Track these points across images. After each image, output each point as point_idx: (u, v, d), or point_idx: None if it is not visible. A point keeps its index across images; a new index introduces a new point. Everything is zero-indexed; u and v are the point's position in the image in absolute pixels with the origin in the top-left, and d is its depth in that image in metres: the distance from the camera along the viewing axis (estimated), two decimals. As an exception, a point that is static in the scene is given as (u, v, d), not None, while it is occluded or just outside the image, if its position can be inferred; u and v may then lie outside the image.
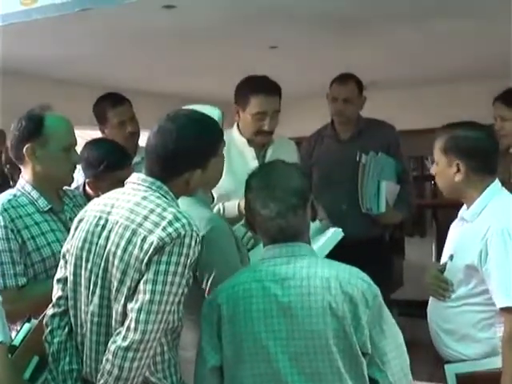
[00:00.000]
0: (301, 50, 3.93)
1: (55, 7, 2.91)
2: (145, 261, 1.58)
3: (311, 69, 4.53)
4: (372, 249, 3.23)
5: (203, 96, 3.63)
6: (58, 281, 1.80)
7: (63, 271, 1.79)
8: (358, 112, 3.43)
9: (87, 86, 4.31)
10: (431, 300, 2.24)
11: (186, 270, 1.61)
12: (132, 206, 1.66)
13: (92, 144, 2.62)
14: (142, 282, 1.58)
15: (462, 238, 2.16)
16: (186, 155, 1.70)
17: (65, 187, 2.36)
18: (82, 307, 1.71)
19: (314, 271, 1.65)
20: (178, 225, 1.60)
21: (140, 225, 1.62)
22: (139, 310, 1.57)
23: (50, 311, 1.80)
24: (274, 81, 2.74)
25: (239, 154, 2.73)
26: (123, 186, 2.41)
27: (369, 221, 3.28)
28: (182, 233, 1.59)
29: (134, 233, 1.62)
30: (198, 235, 1.63)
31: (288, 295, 1.64)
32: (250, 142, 2.78)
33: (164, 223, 1.60)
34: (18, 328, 1.93)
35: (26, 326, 1.87)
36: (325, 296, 1.61)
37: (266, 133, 2.72)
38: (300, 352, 1.62)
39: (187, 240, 1.60)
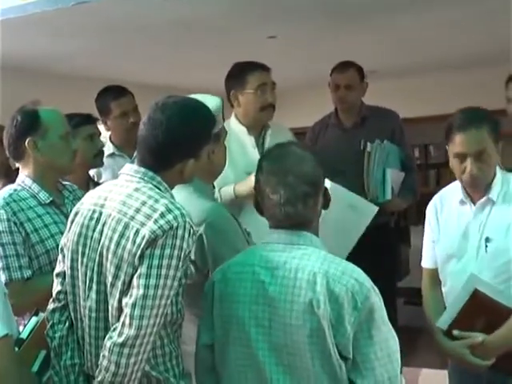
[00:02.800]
0: (300, 39, 3.88)
1: (51, 1, 2.90)
2: (138, 255, 1.55)
3: (310, 58, 4.49)
4: (378, 236, 3.21)
5: (203, 87, 3.57)
6: (57, 275, 1.79)
7: (61, 265, 1.77)
8: (361, 99, 3.43)
9: (88, 80, 4.29)
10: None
11: (181, 263, 1.58)
12: (124, 199, 1.64)
13: None
14: (135, 276, 1.56)
15: (499, 219, 2.10)
16: (177, 147, 1.67)
17: (64, 182, 2.38)
18: (81, 302, 1.70)
19: (305, 264, 1.58)
20: (170, 217, 1.56)
21: (132, 218, 1.59)
22: (133, 306, 1.54)
23: (50, 306, 1.79)
24: None
25: (238, 144, 2.72)
26: (92, 141, 2.71)
27: (374, 208, 3.27)
28: (175, 224, 1.56)
29: (126, 226, 1.59)
30: (191, 226, 1.60)
31: (275, 284, 1.59)
32: (250, 130, 2.77)
33: (156, 215, 1.56)
34: (26, 322, 1.92)
35: (34, 319, 1.87)
36: (308, 292, 1.54)
37: (270, 106, 2.75)
38: (280, 343, 1.58)
39: (180, 232, 1.56)
